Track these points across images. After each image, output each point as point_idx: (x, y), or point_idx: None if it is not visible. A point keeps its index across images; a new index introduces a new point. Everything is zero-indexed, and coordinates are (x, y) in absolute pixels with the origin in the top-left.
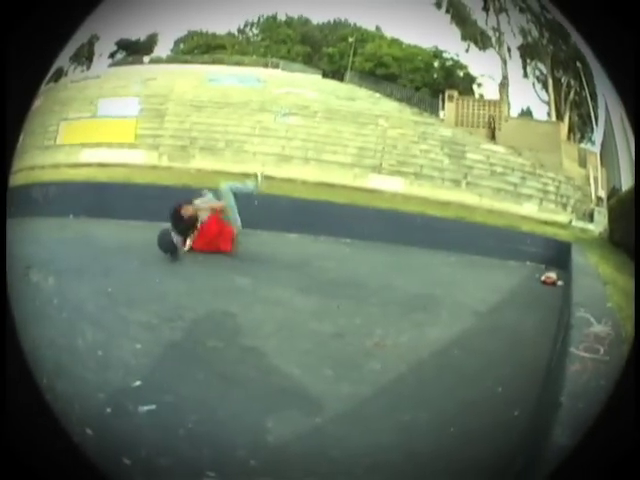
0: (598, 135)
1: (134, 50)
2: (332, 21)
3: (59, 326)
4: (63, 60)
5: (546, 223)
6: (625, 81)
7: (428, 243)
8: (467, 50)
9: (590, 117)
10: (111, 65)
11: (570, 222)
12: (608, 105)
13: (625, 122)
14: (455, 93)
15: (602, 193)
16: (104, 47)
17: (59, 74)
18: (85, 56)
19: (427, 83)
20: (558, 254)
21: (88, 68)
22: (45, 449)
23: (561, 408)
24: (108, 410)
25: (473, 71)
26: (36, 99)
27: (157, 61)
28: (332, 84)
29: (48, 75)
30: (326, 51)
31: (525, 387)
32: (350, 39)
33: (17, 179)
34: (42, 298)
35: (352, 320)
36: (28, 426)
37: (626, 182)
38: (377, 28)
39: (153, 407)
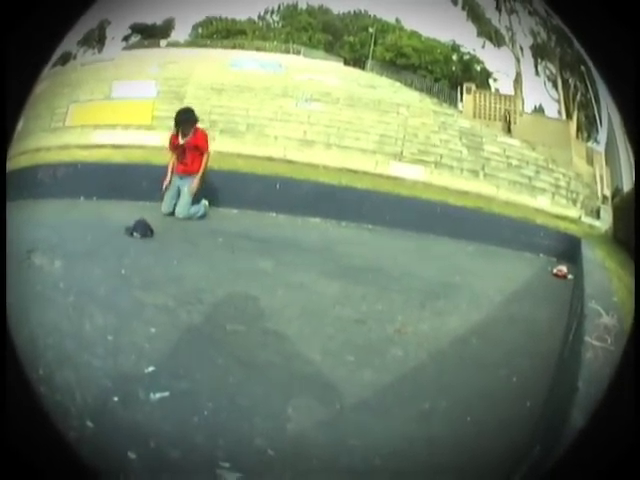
0: (602, 135)
1: (150, 34)
2: (352, 12)
3: (64, 311)
4: (70, 44)
5: (558, 217)
6: (623, 87)
7: (447, 231)
8: (483, 46)
9: (595, 118)
10: (125, 48)
11: (580, 218)
12: (609, 108)
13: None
14: (473, 86)
15: (607, 192)
16: (117, 31)
17: (66, 58)
18: (96, 40)
19: (446, 75)
20: (569, 248)
21: (100, 51)
22: (33, 447)
23: (578, 393)
24: (115, 399)
25: (489, 66)
26: (39, 83)
27: (175, 45)
28: (354, 72)
29: (53, 59)
30: (347, 39)
31: (538, 377)
32: (370, 29)
33: (18, 162)
34: (45, 282)
35: (374, 306)
36: (16, 423)
37: (627, 183)
38: (397, 20)
39: (166, 394)
